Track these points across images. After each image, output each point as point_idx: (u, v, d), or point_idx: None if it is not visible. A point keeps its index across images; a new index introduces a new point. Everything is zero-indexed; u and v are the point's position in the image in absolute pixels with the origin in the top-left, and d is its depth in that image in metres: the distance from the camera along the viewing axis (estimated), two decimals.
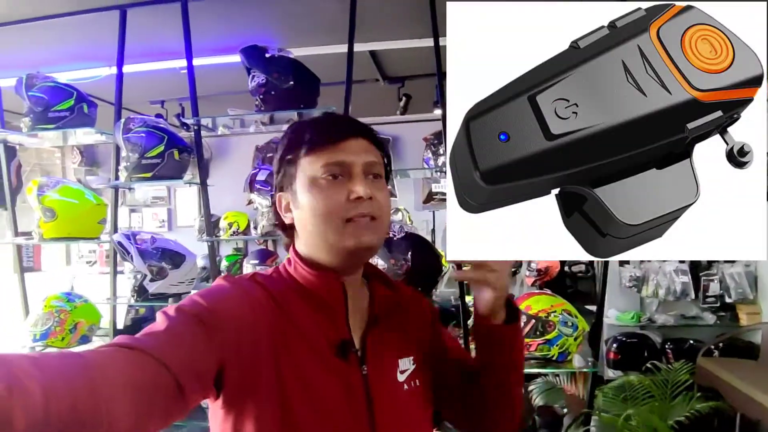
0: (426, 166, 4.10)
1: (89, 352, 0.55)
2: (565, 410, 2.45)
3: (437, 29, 2.06)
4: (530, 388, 2.65)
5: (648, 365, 2.47)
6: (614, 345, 3.77)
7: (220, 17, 2.36)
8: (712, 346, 3.64)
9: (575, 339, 1.79)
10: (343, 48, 2.69)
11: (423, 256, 1.85)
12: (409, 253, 1.82)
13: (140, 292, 2.01)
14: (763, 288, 3.73)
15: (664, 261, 3.85)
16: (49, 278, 4.15)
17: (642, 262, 3.92)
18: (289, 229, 0.79)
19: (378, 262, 1.88)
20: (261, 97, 1.90)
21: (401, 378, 0.78)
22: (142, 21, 2.28)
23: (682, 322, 3.80)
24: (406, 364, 0.79)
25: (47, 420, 0.44)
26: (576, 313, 1.84)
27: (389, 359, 0.78)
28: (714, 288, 3.69)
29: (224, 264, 4.00)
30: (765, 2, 2.27)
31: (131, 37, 2.39)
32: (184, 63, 2.63)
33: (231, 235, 4.20)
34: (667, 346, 3.74)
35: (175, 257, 2.06)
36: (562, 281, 5.18)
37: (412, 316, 0.85)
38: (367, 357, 0.75)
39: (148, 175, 1.99)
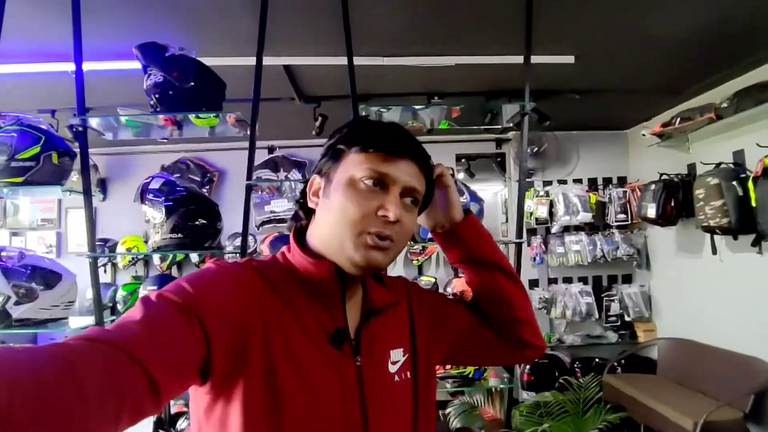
0: None
1: (57, 346, 0.51)
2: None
3: (351, 49, 2.04)
4: (447, 410, 2.59)
5: (561, 381, 2.51)
6: (527, 367, 3.85)
7: (122, 20, 2.18)
8: (615, 363, 3.82)
9: None
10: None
11: None
12: None
13: (1, 317, 1.70)
14: (656, 306, 4.01)
15: (570, 283, 4.04)
16: None
17: (550, 284, 4.09)
18: (308, 214, 0.80)
19: None
20: (157, 96, 1.74)
21: (392, 369, 0.79)
22: (28, 15, 2.04)
23: (588, 341, 3.98)
24: (398, 356, 0.80)
25: (9, 417, 0.42)
26: None
27: (381, 351, 0.78)
28: (615, 308, 3.92)
29: (121, 293, 3.62)
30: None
31: (13, 33, 2.15)
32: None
33: (129, 262, 3.84)
34: (575, 365, 3.88)
35: (49, 276, 1.79)
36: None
37: (401, 308, 0.86)
38: (361, 348, 0.75)
39: (19, 179, 1.73)
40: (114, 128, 2.23)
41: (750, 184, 2.79)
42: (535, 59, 2.73)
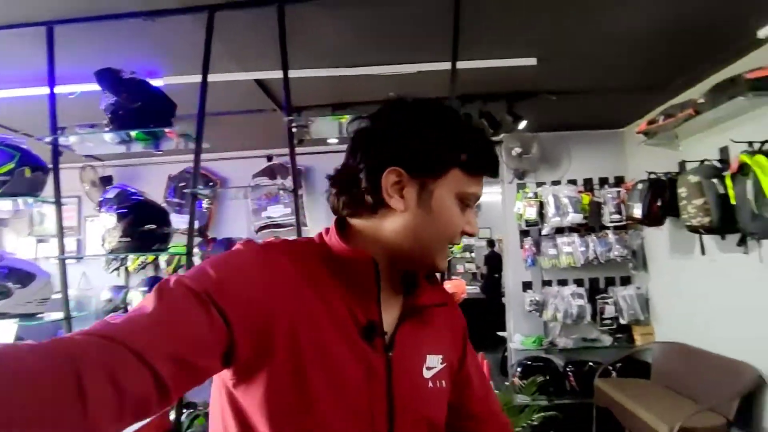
0: None
1: (60, 341, 0.51)
2: None
3: (286, 61, 2.18)
4: None
5: (506, 383, 2.53)
6: (518, 369, 3.83)
7: (98, 46, 2.43)
8: (610, 367, 3.74)
9: None
10: (227, 77, 2.81)
11: None
12: None
13: None
14: (654, 309, 3.89)
15: (563, 285, 3.99)
16: None
17: (544, 286, 4.05)
18: (375, 205, 0.72)
19: None
20: (109, 116, 1.95)
21: (427, 374, 0.76)
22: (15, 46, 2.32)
23: (582, 345, 3.91)
24: (434, 362, 0.77)
25: (6, 413, 0.42)
26: None
27: (417, 352, 0.75)
28: (609, 310, 3.84)
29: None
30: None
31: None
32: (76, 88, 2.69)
33: (138, 265, 4.14)
34: (568, 369, 3.83)
35: (24, 276, 2.03)
36: (472, 307, 5.27)
37: (448, 320, 0.84)
38: (395, 344, 0.72)
39: None
40: (127, 142, 2.46)
41: (728, 182, 2.70)
42: (496, 62, 2.78)
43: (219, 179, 4.36)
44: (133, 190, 2.06)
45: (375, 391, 0.68)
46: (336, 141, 4.07)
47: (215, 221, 4.37)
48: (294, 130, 2.28)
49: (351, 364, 0.67)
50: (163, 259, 3.99)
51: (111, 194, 1.98)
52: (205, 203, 4.20)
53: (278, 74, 2.77)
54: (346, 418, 0.66)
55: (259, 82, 2.93)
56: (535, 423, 2.11)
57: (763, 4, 2.23)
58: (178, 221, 3.50)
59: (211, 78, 2.69)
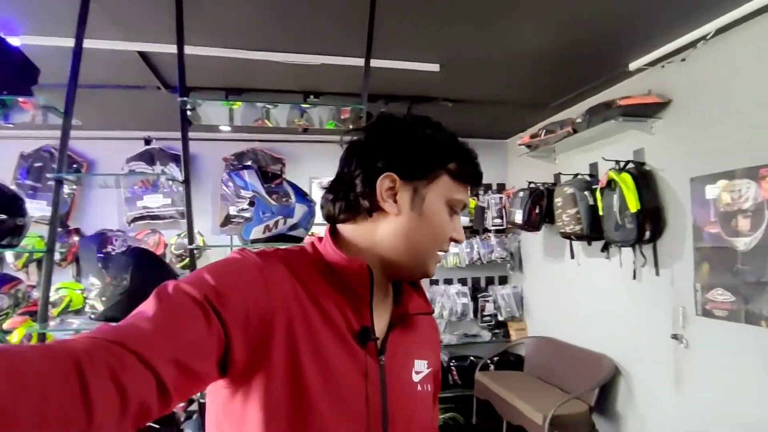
0: (225, 186, 3.92)
1: (65, 343, 0.49)
2: None
3: (182, 36, 1.94)
4: None
5: None
6: None
7: None
8: (489, 361, 4.00)
9: None
10: (104, 44, 2.45)
11: (148, 273, 1.65)
12: (130, 269, 1.60)
13: None
14: (527, 306, 4.25)
15: (449, 284, 4.17)
16: None
17: (432, 284, 4.20)
18: (370, 209, 0.74)
19: (92, 281, 1.63)
20: None
21: (416, 378, 0.78)
22: None
23: (465, 341, 4.13)
24: (421, 367, 0.80)
25: (12, 413, 0.40)
26: None
27: (406, 357, 0.78)
28: (489, 308, 4.09)
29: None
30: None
31: None
32: None
33: None
34: (451, 364, 4.01)
35: None
36: None
37: (429, 327, 0.87)
38: (386, 349, 0.74)
39: None
40: None
41: (598, 195, 3.02)
42: (400, 65, 2.79)
43: (86, 161, 3.81)
44: None
45: (371, 394, 0.71)
46: (228, 129, 3.81)
47: (78, 209, 3.80)
48: (189, 113, 2.03)
49: (349, 368, 0.69)
50: (10, 252, 3.37)
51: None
52: (67, 188, 3.63)
53: (166, 48, 2.52)
54: (344, 421, 0.68)
55: (143, 55, 2.59)
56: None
57: (635, 41, 2.53)
58: (32, 208, 2.98)
59: (85, 44, 2.33)
